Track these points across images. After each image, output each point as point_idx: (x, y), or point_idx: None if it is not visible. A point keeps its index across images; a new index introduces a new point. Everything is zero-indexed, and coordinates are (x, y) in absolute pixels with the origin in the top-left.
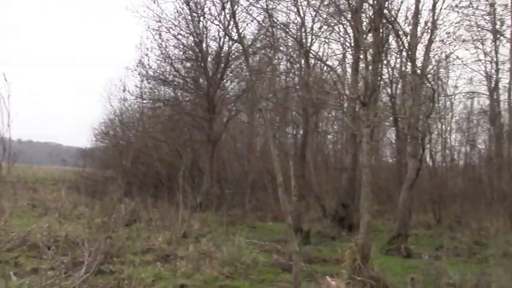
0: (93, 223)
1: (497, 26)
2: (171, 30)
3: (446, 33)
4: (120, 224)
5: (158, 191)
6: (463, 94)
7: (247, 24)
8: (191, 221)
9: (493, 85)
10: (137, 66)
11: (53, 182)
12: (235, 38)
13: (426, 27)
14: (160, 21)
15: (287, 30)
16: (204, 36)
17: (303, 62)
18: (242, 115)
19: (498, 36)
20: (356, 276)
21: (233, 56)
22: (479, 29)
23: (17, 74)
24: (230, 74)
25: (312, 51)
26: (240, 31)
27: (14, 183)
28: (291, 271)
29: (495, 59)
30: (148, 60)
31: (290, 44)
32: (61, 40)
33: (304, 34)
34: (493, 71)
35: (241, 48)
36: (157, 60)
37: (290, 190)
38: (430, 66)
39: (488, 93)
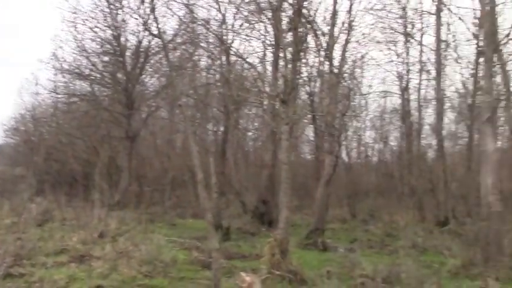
0: (1, 224)
1: (408, 29)
2: (87, 22)
3: (361, 34)
4: (32, 224)
5: (73, 189)
6: (377, 93)
7: (167, 19)
8: (108, 220)
9: (404, 85)
10: (51, 59)
11: None
12: (155, 32)
13: (343, 28)
14: (76, 13)
15: (208, 26)
16: (123, 29)
17: (223, 58)
18: (162, 111)
19: (409, 38)
20: (275, 270)
21: (153, 51)
22: (392, 31)
23: None
24: (150, 69)
25: (232, 48)
26: (160, 26)
27: None
28: (210, 268)
29: (406, 61)
30: (63, 53)
31: (211, 41)
32: None
33: (225, 31)
34: (404, 71)
35: (161, 43)
36: (73, 53)
37: (210, 187)
38: (347, 66)
39: (399, 93)
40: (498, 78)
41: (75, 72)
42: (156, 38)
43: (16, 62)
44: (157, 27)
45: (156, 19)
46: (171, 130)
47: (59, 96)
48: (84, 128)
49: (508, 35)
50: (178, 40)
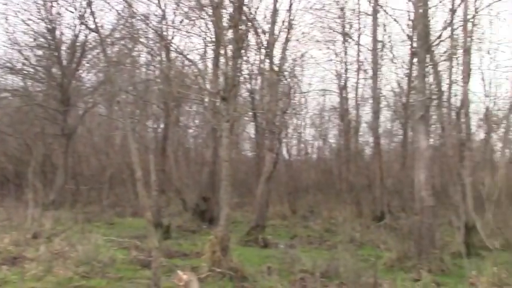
0: None
1: (346, 29)
2: (19, 14)
3: (301, 33)
4: None
5: (4, 188)
6: (316, 91)
7: (105, 13)
8: (43, 220)
9: (342, 84)
10: None
11: None
12: (92, 27)
13: (283, 27)
14: (6, 4)
15: (147, 21)
16: (58, 23)
17: (163, 55)
18: (100, 108)
19: (347, 38)
20: (215, 268)
21: (90, 46)
22: (331, 31)
23: None
24: (87, 65)
25: (173, 44)
26: (98, 20)
27: None
28: (150, 267)
29: (344, 60)
30: None
31: (151, 36)
32: None
33: (165, 27)
34: (343, 70)
35: (98, 37)
36: (4, 46)
37: (150, 185)
38: (287, 64)
39: (338, 91)
40: (431, 78)
41: (6, 66)
42: (93, 33)
43: None
44: (94, 21)
45: (93, 13)
46: (109, 127)
47: None
48: (17, 125)
49: (439, 37)
50: (117, 35)
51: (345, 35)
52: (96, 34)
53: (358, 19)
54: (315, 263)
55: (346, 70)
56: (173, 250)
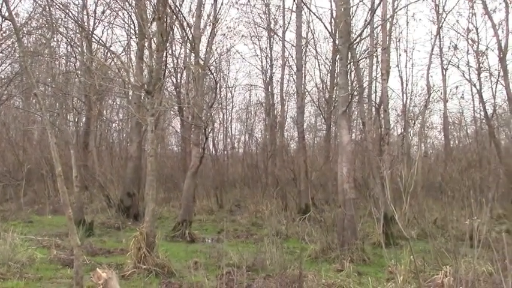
0: None
1: (272, 25)
2: None
3: (227, 27)
4: None
5: None
6: (242, 86)
7: (20, 1)
8: None
9: (267, 79)
10: None
11: None
12: (6, 14)
13: (209, 20)
14: None
15: (67, 10)
16: None
17: (84, 46)
18: (16, 100)
19: (272, 34)
20: (141, 264)
21: (4, 35)
22: (256, 26)
23: None
24: (0, 54)
25: (94, 35)
26: (12, 7)
27: None
28: (72, 266)
29: (270, 55)
30: None
31: (70, 26)
32: None
33: (86, 17)
34: (268, 66)
35: (12, 26)
36: None
37: (71, 181)
38: (213, 59)
39: (264, 86)
40: (352, 75)
41: None
42: (6, 21)
43: None
44: (8, 8)
45: (6, 0)
46: (26, 121)
47: None
48: None
49: (360, 35)
50: (34, 24)
51: (270, 31)
52: (10, 22)
53: (283, 15)
54: (241, 256)
55: (271, 65)
56: (96, 248)
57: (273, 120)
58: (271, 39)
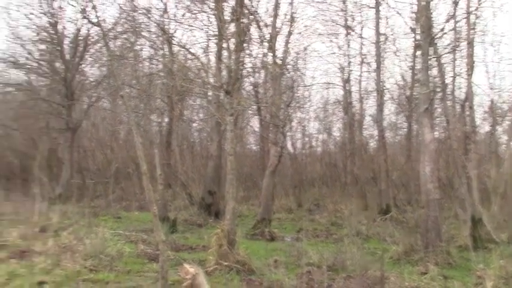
0: None
1: (349, 22)
2: (21, 8)
3: (304, 26)
4: None
5: (11, 183)
6: (320, 85)
7: (106, 7)
8: (50, 214)
9: (345, 77)
10: None
11: None
12: (94, 21)
13: (285, 20)
14: None
15: (149, 15)
16: (60, 17)
17: (166, 48)
18: (104, 102)
19: (349, 31)
20: (222, 261)
21: (92, 40)
22: (333, 23)
23: None
24: (90, 59)
25: (175, 38)
26: (99, 14)
27: None
28: (157, 260)
29: (347, 53)
30: None
31: (153, 30)
32: None
33: (167, 20)
34: (346, 63)
35: (101, 31)
36: (6, 40)
37: (156, 178)
38: (290, 57)
39: (341, 84)
40: (434, 71)
41: (9, 61)
42: (95, 27)
43: None
44: (96, 15)
45: (94, 7)
46: (114, 121)
47: None
48: (22, 119)
49: (442, 29)
50: (119, 29)
51: (348, 28)
52: (98, 28)
53: (361, 12)
54: (321, 256)
55: (349, 63)
56: (180, 244)
57: (351, 119)
58: (349, 36)
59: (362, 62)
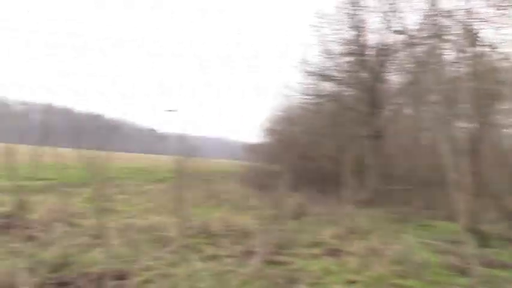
0: (263, 215)
1: None
2: (331, 25)
3: None
4: (288, 217)
5: (324, 186)
6: None
7: (406, 14)
8: (357, 217)
9: None
10: (300, 63)
11: (224, 174)
12: (398, 29)
13: None
14: (321, 18)
15: (452, 17)
16: (364, 29)
17: (471, 50)
18: (407, 109)
19: None
20: None
21: (394, 48)
22: None
23: None
24: (393, 67)
25: (480, 38)
26: (402, 22)
27: (190, 175)
28: (466, 274)
29: None
30: (310, 56)
31: (456, 32)
32: None
33: (471, 20)
34: None
35: (403, 39)
36: (318, 56)
37: (463, 188)
38: None
39: None
40: None
41: (321, 74)
42: (397, 35)
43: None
44: (399, 23)
45: (397, 15)
46: (415, 128)
47: (308, 97)
48: (331, 127)
49: None
50: (422, 34)
51: None
52: (400, 36)
53: None
54: None
55: None
56: (492, 259)
57: None
58: None
59: None
